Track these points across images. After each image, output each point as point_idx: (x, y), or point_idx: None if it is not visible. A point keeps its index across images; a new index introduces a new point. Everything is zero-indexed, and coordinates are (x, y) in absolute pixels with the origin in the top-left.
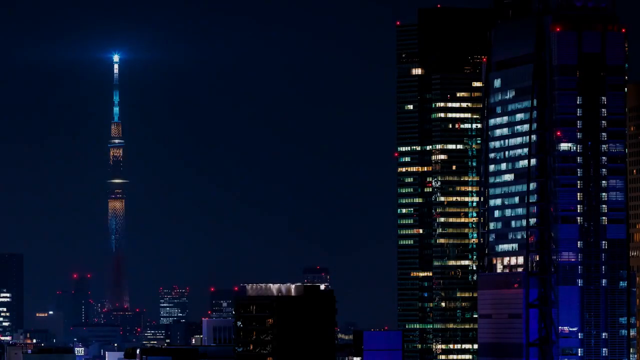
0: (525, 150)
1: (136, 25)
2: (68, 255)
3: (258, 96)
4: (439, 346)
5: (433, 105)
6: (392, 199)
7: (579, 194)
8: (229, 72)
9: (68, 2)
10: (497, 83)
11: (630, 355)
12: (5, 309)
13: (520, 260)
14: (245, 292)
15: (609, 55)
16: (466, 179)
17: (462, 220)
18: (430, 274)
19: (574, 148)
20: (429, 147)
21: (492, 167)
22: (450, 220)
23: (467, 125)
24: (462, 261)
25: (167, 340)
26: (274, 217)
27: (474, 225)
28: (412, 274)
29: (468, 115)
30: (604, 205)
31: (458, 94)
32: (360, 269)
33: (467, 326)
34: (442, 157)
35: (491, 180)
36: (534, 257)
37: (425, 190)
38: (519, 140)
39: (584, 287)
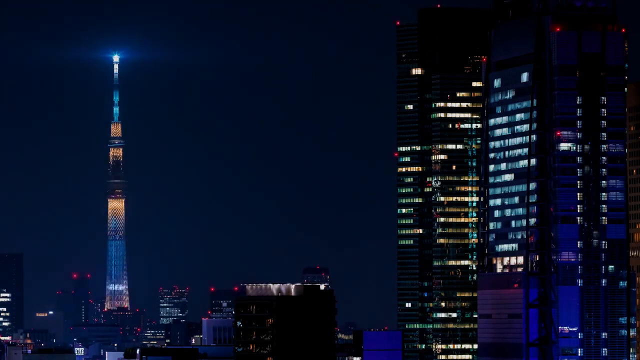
0: (525, 150)
1: (136, 25)
2: (68, 255)
3: (258, 97)
4: (439, 346)
5: (433, 105)
6: (392, 199)
7: (579, 194)
8: (228, 72)
9: (68, 2)
10: (497, 83)
11: (630, 355)
12: (5, 309)
13: (520, 260)
14: (245, 292)
15: (608, 55)
16: (466, 179)
17: (462, 220)
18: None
19: (574, 148)
20: (429, 147)
21: (492, 167)
22: (450, 220)
23: (467, 125)
24: (462, 261)
25: (167, 340)
26: (274, 218)
27: (474, 225)
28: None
29: (468, 115)
30: (604, 205)
31: (458, 94)
32: (360, 269)
33: (467, 326)
34: (442, 157)
35: (491, 180)
36: (534, 257)
37: (425, 190)
38: (519, 140)
39: (584, 287)
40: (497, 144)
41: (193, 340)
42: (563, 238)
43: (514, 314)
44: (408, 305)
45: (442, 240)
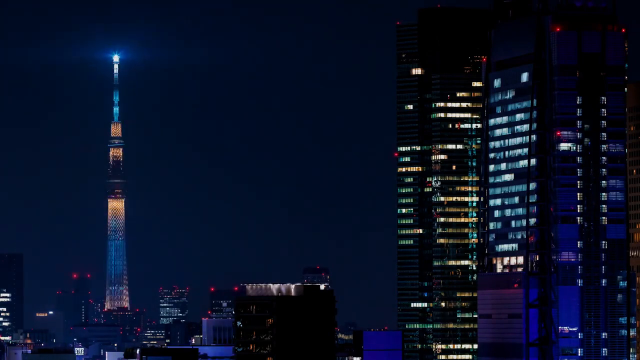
0: (525, 150)
1: (136, 25)
2: (68, 255)
3: (257, 97)
4: (439, 346)
5: (433, 105)
6: (392, 199)
7: (579, 194)
8: (228, 72)
9: (69, 2)
10: (497, 83)
11: (630, 355)
12: (5, 309)
13: (520, 260)
14: (245, 292)
15: (608, 55)
16: (466, 179)
17: (462, 220)
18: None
19: (574, 148)
20: (429, 147)
21: (492, 167)
22: (450, 220)
23: (467, 125)
24: (462, 261)
25: (167, 340)
26: (275, 218)
27: (474, 225)
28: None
29: (468, 115)
30: (604, 205)
31: (458, 94)
32: (360, 269)
33: (467, 326)
34: (442, 157)
35: (491, 180)
36: (534, 257)
37: (425, 190)
38: (519, 140)
39: (584, 287)
40: (497, 144)
41: (193, 340)
42: (563, 238)
43: (514, 314)
44: (413, 305)
45: (442, 240)
